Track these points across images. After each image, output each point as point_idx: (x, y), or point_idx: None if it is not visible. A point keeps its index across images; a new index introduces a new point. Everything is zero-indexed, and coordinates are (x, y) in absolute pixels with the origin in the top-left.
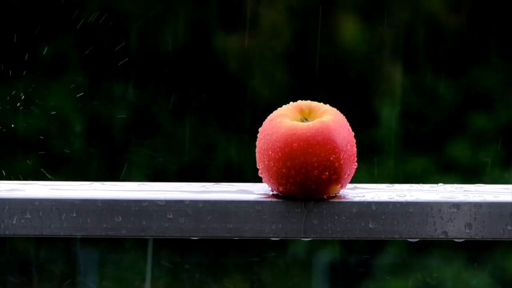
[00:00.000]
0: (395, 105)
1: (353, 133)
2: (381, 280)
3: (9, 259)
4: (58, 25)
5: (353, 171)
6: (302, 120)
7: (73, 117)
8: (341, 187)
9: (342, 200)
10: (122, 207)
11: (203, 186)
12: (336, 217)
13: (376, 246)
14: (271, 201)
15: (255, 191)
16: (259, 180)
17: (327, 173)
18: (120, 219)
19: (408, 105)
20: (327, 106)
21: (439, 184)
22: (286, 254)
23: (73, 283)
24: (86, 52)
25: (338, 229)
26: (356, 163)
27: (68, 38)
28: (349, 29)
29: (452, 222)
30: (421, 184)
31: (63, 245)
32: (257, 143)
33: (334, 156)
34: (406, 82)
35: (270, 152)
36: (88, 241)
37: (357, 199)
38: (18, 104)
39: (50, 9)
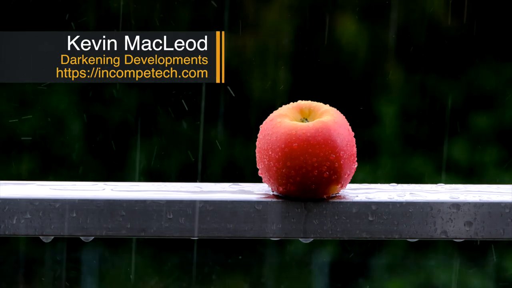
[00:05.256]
0: (395, 105)
1: (353, 133)
2: (380, 280)
3: (8, 259)
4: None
5: (353, 171)
6: (302, 120)
7: (72, 117)
8: (341, 187)
9: (342, 200)
10: (122, 207)
11: (203, 186)
12: (336, 217)
13: (375, 246)
14: (271, 201)
15: (255, 191)
16: (259, 180)
17: (327, 173)
18: (120, 219)
19: (408, 105)
20: (327, 106)
21: (439, 184)
22: (286, 254)
23: (73, 284)
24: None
25: (338, 229)
26: (356, 163)
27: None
28: (349, 29)
29: (452, 222)
30: (421, 184)
31: (63, 245)
32: (257, 143)
33: (334, 156)
34: (406, 82)
35: (270, 152)
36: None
37: (357, 199)
38: (18, 104)
39: (48, 7)
